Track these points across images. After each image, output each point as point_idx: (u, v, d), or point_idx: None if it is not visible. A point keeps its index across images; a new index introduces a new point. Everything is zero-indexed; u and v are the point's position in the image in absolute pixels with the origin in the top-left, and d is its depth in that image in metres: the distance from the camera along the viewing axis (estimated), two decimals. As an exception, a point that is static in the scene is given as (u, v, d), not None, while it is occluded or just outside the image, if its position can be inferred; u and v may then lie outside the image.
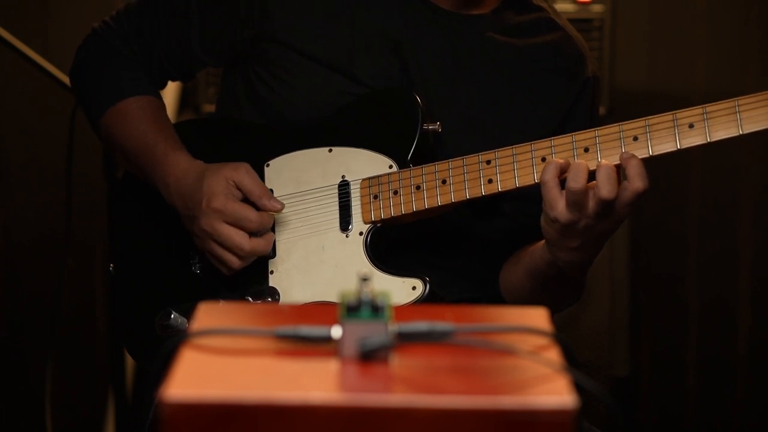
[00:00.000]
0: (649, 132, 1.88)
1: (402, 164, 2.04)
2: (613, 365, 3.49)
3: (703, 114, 1.85)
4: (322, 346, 1.26)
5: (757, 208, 3.39)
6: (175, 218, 2.13)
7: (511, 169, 1.95)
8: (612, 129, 1.90)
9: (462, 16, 2.14)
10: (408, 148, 2.05)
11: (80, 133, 2.57)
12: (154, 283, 2.19)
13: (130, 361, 2.89)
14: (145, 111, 2.20)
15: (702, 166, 3.44)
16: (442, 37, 2.13)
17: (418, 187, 2.01)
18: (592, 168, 1.85)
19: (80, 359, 3.35)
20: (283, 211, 2.08)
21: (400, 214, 2.02)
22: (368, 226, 2.05)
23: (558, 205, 1.86)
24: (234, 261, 2.05)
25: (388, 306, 1.24)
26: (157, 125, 2.18)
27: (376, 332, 1.23)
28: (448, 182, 1.99)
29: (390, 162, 2.05)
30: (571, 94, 2.16)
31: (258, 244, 2.05)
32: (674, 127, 1.86)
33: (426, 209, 2.01)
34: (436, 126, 2.05)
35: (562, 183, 1.87)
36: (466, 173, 1.98)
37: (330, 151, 2.09)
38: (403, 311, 1.32)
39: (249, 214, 2.04)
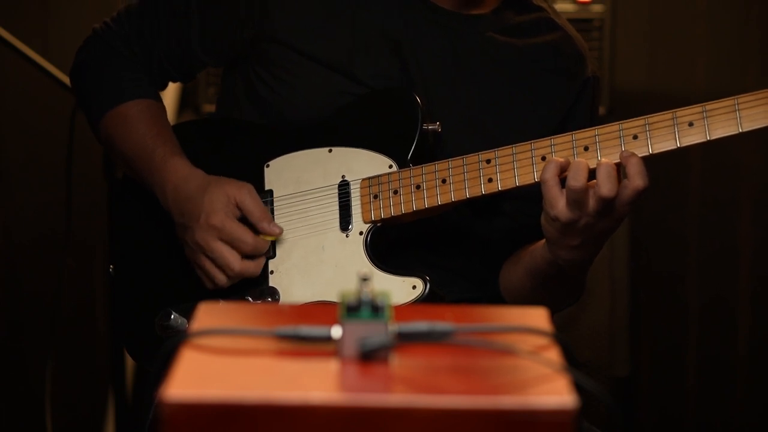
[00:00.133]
0: (649, 130, 1.88)
1: (402, 164, 2.04)
2: (613, 365, 3.49)
3: (702, 112, 1.85)
4: (322, 346, 1.26)
5: (757, 207, 3.39)
6: (174, 218, 2.13)
7: (511, 168, 1.95)
8: (612, 127, 1.90)
9: (462, 16, 2.14)
10: (408, 148, 2.05)
11: (80, 133, 2.57)
12: (154, 284, 2.19)
13: (130, 361, 2.89)
14: (145, 115, 2.20)
15: (702, 165, 3.44)
16: (442, 37, 2.13)
17: (418, 187, 2.01)
18: (592, 166, 1.85)
19: (80, 359, 3.35)
20: (284, 211, 2.08)
21: (400, 213, 2.02)
22: (368, 225, 2.05)
23: (558, 204, 1.86)
24: (221, 279, 2.06)
25: (388, 306, 1.24)
26: (156, 129, 2.18)
27: (376, 332, 1.23)
28: (448, 181, 1.99)
29: (390, 162, 2.05)
30: (571, 94, 2.16)
31: (248, 267, 2.05)
32: (674, 125, 1.86)
33: (426, 209, 2.01)
34: (436, 126, 2.05)
35: (563, 182, 1.87)
36: (466, 172, 1.98)
37: (330, 151, 2.09)
38: (403, 311, 1.32)
39: (246, 236, 2.04)
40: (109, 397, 3.20)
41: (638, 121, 1.88)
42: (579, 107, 2.16)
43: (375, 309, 1.24)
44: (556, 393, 1.16)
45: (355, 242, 2.04)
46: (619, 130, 1.89)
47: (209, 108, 3.30)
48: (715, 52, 3.41)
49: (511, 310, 1.45)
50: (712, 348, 3.49)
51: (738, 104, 1.83)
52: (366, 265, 2.02)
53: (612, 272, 3.43)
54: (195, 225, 2.05)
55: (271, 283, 2.08)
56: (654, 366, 3.57)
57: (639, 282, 3.50)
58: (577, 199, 1.84)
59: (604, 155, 1.89)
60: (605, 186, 1.82)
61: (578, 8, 3.34)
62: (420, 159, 2.04)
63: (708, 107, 1.85)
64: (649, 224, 3.50)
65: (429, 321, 1.28)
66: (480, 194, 1.97)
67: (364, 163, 2.06)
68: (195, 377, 1.19)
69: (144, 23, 2.21)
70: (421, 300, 1.97)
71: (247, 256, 2.05)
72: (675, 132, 1.86)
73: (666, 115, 1.87)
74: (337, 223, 2.06)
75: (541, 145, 1.93)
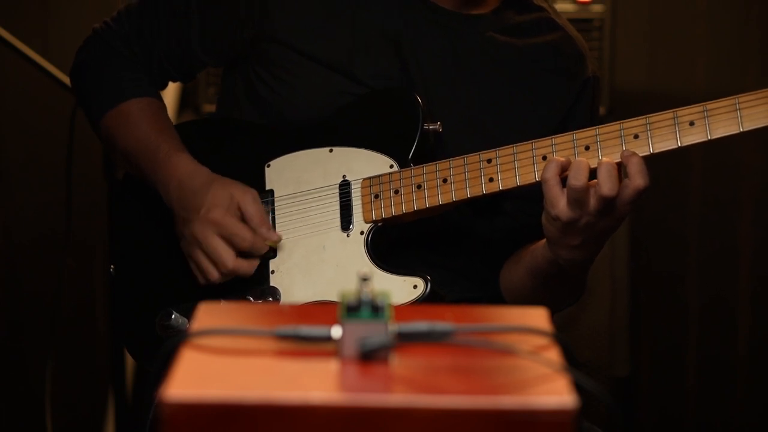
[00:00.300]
0: (650, 130, 1.87)
1: (403, 164, 2.04)
2: (613, 365, 3.49)
3: (703, 111, 1.85)
4: (322, 346, 1.26)
5: (757, 206, 3.39)
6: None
7: (512, 167, 1.95)
8: (613, 127, 1.90)
9: (462, 15, 2.14)
10: (409, 148, 2.05)
11: (80, 133, 2.57)
12: (154, 283, 2.19)
13: (130, 361, 2.89)
14: (146, 112, 2.20)
15: (703, 164, 3.44)
16: (443, 37, 2.13)
17: (419, 186, 2.01)
18: (593, 166, 1.85)
19: (80, 359, 3.35)
20: (284, 211, 2.08)
21: (401, 213, 2.02)
22: (369, 225, 2.04)
23: (559, 203, 1.86)
24: (213, 274, 2.06)
25: (388, 306, 1.24)
26: (158, 127, 2.18)
27: (376, 332, 1.23)
28: (449, 181, 1.99)
29: (391, 162, 2.05)
30: (571, 94, 2.16)
31: (241, 265, 2.05)
32: (675, 124, 1.86)
33: (427, 208, 2.01)
34: (436, 126, 2.05)
35: (563, 181, 1.87)
36: (467, 172, 1.98)
37: (330, 151, 2.09)
38: (402, 311, 1.32)
39: (244, 233, 2.04)
40: (109, 397, 3.20)
41: (639, 121, 1.88)
42: (579, 107, 2.16)
43: (375, 309, 1.23)
44: (556, 393, 1.16)
45: (356, 242, 2.04)
46: (620, 130, 1.89)
47: (209, 108, 3.30)
48: (715, 52, 3.41)
49: (511, 310, 1.45)
50: (712, 348, 3.49)
51: (739, 104, 1.83)
52: (367, 265, 2.02)
53: (612, 271, 3.43)
54: (195, 217, 2.05)
55: (272, 283, 2.08)
56: (654, 366, 3.57)
57: (639, 282, 3.50)
58: (578, 199, 1.84)
59: (605, 154, 1.89)
60: (606, 185, 1.82)
61: (578, 8, 3.34)
62: (421, 159, 2.04)
63: (709, 107, 1.85)
64: (649, 224, 3.50)
65: (429, 321, 1.27)
66: (481, 194, 1.97)
67: (364, 163, 2.06)
68: (195, 377, 1.19)
69: (144, 23, 2.21)
70: (422, 300, 1.97)
71: (243, 254, 2.05)
72: (676, 131, 1.86)
73: (667, 115, 1.87)
74: (338, 223, 2.06)
75: (542, 145, 1.93)
